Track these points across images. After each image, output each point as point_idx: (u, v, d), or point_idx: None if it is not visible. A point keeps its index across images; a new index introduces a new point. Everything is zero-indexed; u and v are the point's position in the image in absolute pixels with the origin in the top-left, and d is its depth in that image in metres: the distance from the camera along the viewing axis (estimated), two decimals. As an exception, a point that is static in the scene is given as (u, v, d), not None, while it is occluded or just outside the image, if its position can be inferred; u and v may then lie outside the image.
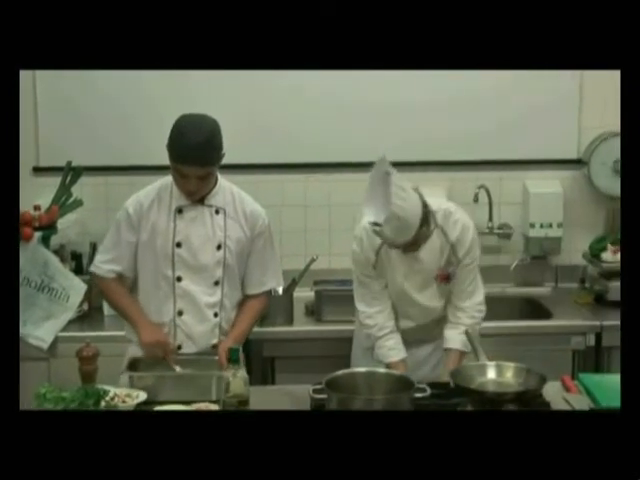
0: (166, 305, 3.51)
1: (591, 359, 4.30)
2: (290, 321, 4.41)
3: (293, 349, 4.30)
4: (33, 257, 4.16)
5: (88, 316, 4.49)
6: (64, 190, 4.52)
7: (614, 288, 4.48)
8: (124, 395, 3.13)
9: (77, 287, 4.30)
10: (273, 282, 3.70)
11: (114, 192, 4.65)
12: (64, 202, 4.51)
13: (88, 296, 4.42)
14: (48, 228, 4.37)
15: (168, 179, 3.50)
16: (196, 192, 3.42)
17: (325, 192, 4.84)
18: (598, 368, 4.28)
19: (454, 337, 3.50)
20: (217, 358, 3.39)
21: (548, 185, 4.81)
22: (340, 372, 3.13)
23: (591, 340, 4.29)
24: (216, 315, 3.54)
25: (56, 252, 4.44)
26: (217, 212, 3.50)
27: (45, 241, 4.33)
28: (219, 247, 3.49)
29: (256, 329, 3.85)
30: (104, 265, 3.56)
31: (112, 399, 3.06)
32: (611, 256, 4.58)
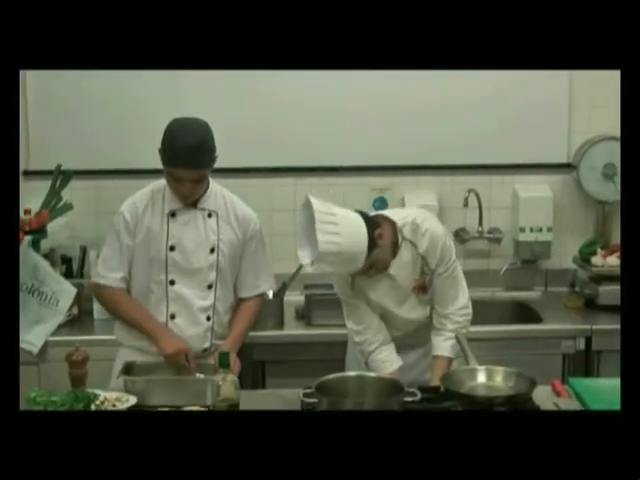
0: (159, 308, 3.51)
1: (581, 363, 4.31)
2: (280, 325, 4.41)
3: (283, 353, 4.30)
4: (23, 261, 4.14)
5: (78, 320, 4.47)
6: (54, 194, 4.51)
7: (604, 292, 4.50)
8: (114, 399, 3.12)
9: (67, 291, 4.30)
10: (266, 285, 3.72)
11: (104, 196, 4.65)
12: (54, 206, 4.51)
13: (78, 300, 4.42)
14: (38, 232, 4.36)
15: (161, 182, 3.50)
16: (190, 195, 3.43)
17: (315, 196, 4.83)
18: (588, 372, 4.29)
19: (440, 344, 3.48)
20: (213, 362, 3.38)
21: (538, 189, 4.82)
22: (330, 376, 3.13)
23: (581, 344, 4.30)
24: (209, 318, 3.54)
25: (46, 256, 4.43)
26: (210, 215, 3.50)
27: (35, 245, 4.33)
28: (212, 250, 3.50)
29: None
30: (110, 274, 3.52)
31: (102, 403, 3.06)
32: (601, 260, 4.59)
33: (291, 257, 4.69)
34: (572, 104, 4.84)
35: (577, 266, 4.80)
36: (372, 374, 3.29)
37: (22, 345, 4.12)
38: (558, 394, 3.30)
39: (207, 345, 3.54)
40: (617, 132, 4.58)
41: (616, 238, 4.74)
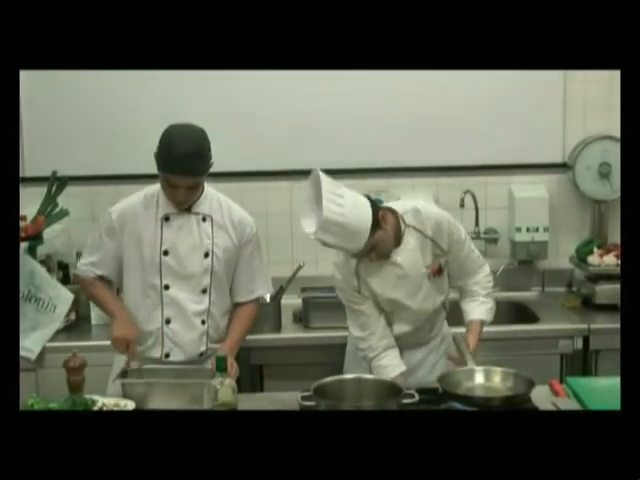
0: (154, 313, 3.51)
1: (579, 362, 4.31)
2: (278, 328, 4.41)
3: (281, 356, 4.30)
4: (20, 268, 4.14)
5: (75, 326, 4.47)
6: (50, 200, 4.51)
7: (601, 291, 4.50)
8: (112, 405, 3.12)
9: (64, 297, 4.29)
10: (262, 289, 3.71)
11: (100, 202, 4.63)
12: (50, 212, 4.51)
13: (75, 306, 4.42)
14: (34, 238, 4.36)
15: (155, 187, 3.50)
16: (185, 202, 3.43)
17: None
18: (586, 371, 4.29)
19: (475, 309, 3.57)
20: (210, 367, 3.38)
21: (534, 189, 4.82)
22: (328, 379, 3.13)
23: (579, 343, 4.30)
24: (204, 323, 3.53)
25: (42, 262, 4.42)
26: (204, 220, 3.50)
27: (31, 251, 4.32)
28: (206, 255, 3.49)
29: (244, 337, 3.84)
30: (85, 267, 3.60)
31: (100, 409, 3.06)
32: (598, 259, 4.59)
33: (288, 260, 4.74)
34: (567, 104, 4.84)
35: (574, 266, 4.81)
36: (370, 376, 3.29)
37: (20, 352, 4.12)
38: (556, 394, 3.30)
39: (203, 349, 3.54)
40: (612, 131, 4.61)
41: (612, 237, 4.74)
